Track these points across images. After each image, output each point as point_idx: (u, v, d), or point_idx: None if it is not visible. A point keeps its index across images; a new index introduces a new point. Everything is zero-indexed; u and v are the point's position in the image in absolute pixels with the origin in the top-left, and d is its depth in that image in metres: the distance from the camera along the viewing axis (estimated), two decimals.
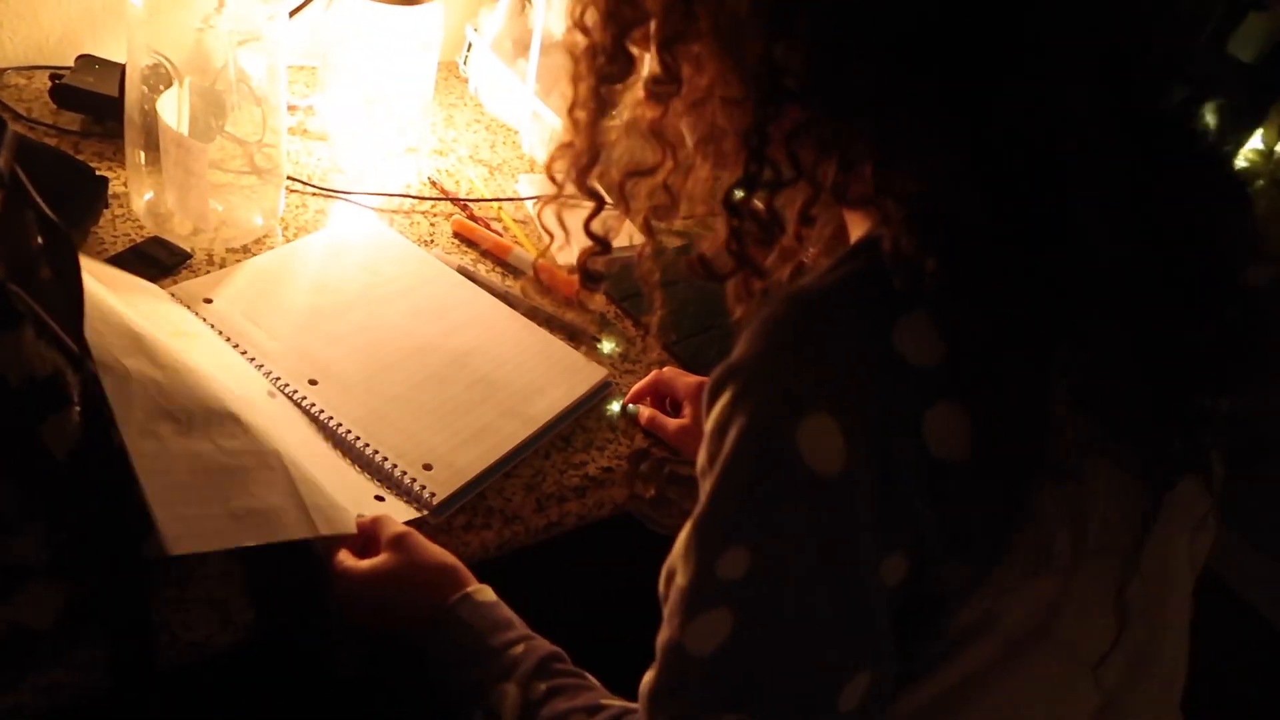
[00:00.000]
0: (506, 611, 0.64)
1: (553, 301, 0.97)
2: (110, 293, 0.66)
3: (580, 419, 0.86)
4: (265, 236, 0.94)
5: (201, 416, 0.63)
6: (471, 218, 1.04)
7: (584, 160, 0.57)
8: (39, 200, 0.48)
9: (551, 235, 0.63)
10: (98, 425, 0.53)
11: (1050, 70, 0.45)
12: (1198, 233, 0.49)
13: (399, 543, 0.67)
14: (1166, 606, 0.55)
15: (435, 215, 1.05)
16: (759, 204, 0.50)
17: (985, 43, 0.44)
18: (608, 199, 0.60)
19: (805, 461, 0.43)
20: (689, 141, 0.55)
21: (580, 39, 0.53)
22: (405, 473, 0.75)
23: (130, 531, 0.57)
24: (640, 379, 0.90)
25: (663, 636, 0.48)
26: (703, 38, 0.49)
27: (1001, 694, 0.49)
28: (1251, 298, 0.51)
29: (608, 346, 0.94)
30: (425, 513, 0.73)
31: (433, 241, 1.01)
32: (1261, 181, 1.79)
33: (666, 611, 0.48)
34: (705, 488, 0.47)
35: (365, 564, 0.66)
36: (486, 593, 0.65)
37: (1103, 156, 0.46)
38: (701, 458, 0.47)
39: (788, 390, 0.44)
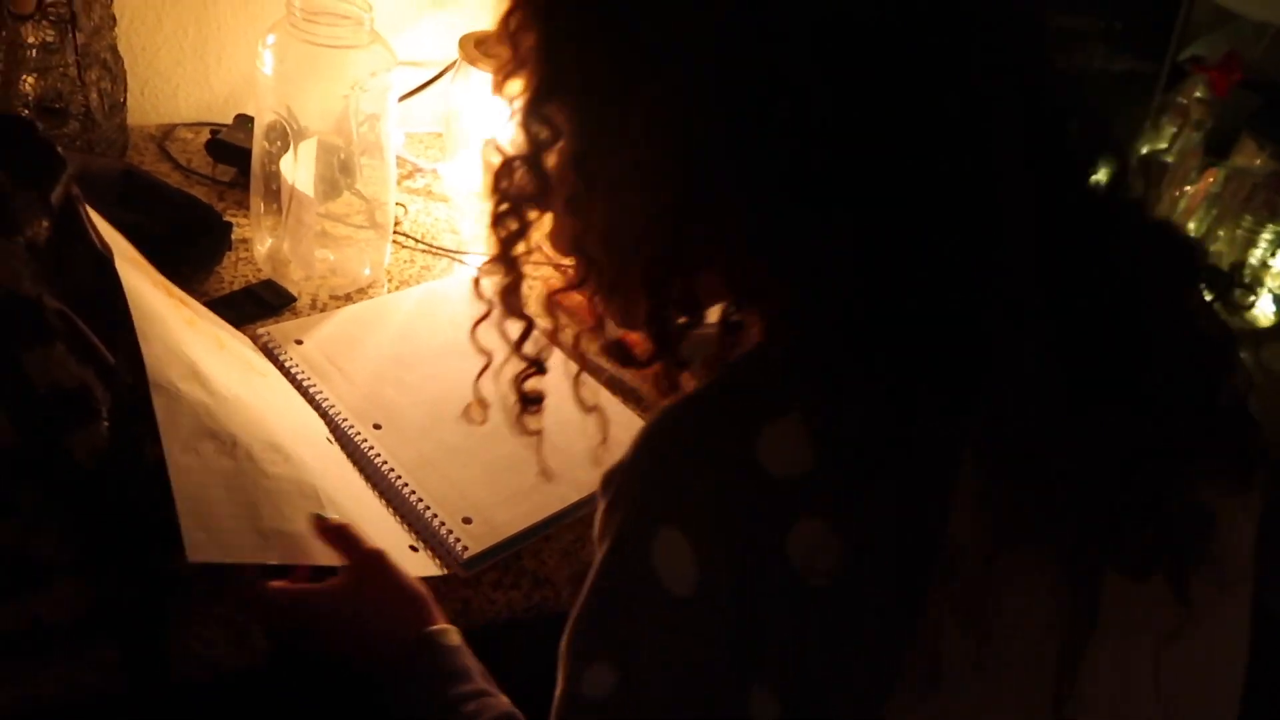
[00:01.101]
0: (468, 659, 0.62)
1: (632, 373, 0.97)
2: (186, 326, 0.71)
3: None
4: (370, 286, 1.00)
5: (245, 442, 0.67)
6: (566, 283, 1.06)
7: (508, 281, 0.56)
8: (91, 231, 0.53)
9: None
10: (127, 439, 0.57)
11: (958, 157, 0.41)
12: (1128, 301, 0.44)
13: (369, 560, 0.66)
14: None
15: (535, 280, 1.08)
16: (676, 283, 0.48)
17: (888, 135, 0.41)
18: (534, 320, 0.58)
19: (660, 578, 0.41)
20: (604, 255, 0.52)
21: (494, 158, 0.53)
22: (444, 523, 0.76)
23: (155, 542, 0.61)
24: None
25: None
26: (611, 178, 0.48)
27: None
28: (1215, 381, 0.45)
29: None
30: (454, 568, 0.74)
31: (526, 305, 1.04)
32: None
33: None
34: (581, 596, 0.45)
35: (329, 582, 0.65)
36: (452, 635, 0.64)
37: (1024, 233, 0.42)
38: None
39: (647, 502, 0.42)
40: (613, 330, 0.57)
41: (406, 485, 0.79)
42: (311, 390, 0.85)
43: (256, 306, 0.93)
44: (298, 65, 0.88)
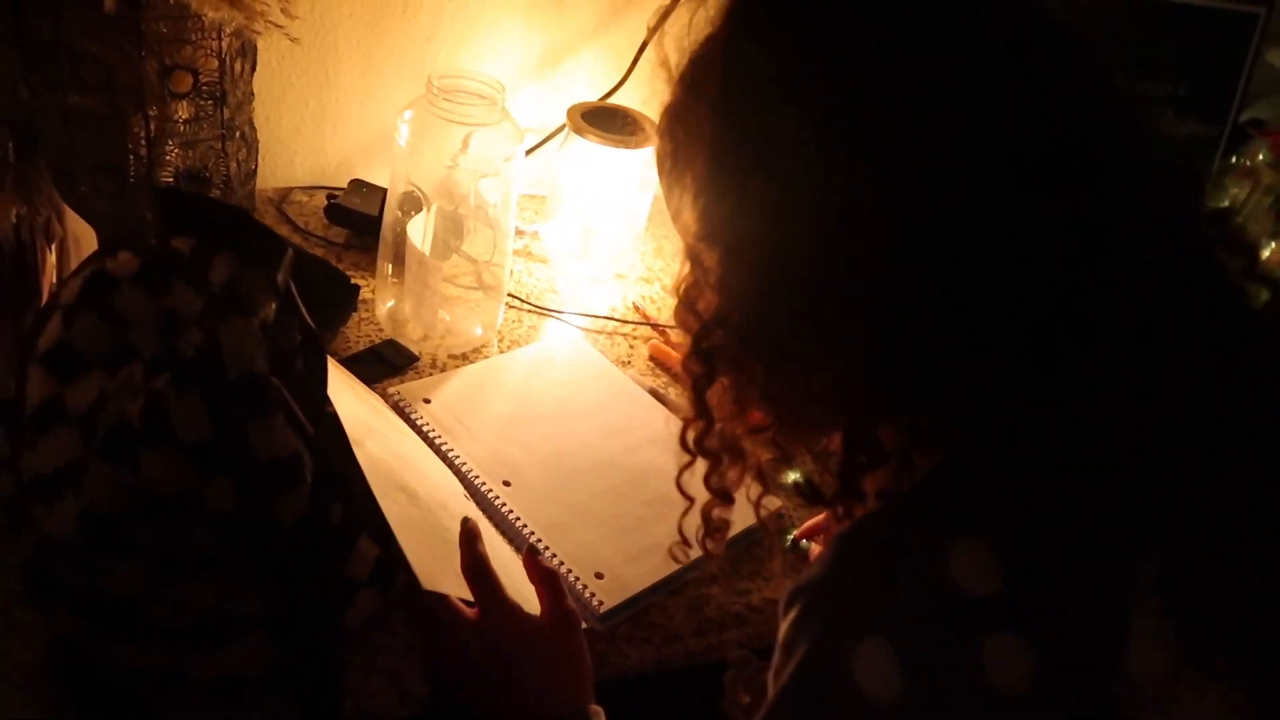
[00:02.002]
0: None
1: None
2: (348, 388, 0.76)
3: (749, 548, 0.88)
4: (483, 346, 1.05)
5: (424, 496, 0.71)
6: (668, 343, 1.11)
7: (700, 427, 0.60)
8: (302, 308, 0.58)
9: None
10: (322, 503, 0.61)
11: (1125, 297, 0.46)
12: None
13: (567, 616, 0.69)
14: None
15: (635, 338, 1.12)
16: (870, 436, 0.52)
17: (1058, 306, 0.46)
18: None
19: (860, 686, 0.43)
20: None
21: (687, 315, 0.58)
22: (578, 579, 0.80)
23: (334, 600, 0.65)
24: (816, 514, 0.91)
25: None
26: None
27: None
28: None
29: (790, 476, 0.96)
30: (593, 622, 0.77)
31: (629, 363, 1.08)
32: None
33: None
34: (769, 698, 0.48)
35: (530, 614, 0.68)
36: (601, 716, 0.67)
37: (1193, 369, 0.45)
38: (774, 666, 0.49)
39: (847, 614, 0.45)
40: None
41: (541, 541, 0.82)
42: (444, 448, 0.89)
43: (382, 366, 0.97)
44: (432, 140, 0.93)
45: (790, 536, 0.90)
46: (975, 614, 0.43)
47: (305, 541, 0.60)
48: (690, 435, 0.62)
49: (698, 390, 0.59)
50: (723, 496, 0.65)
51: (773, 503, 0.66)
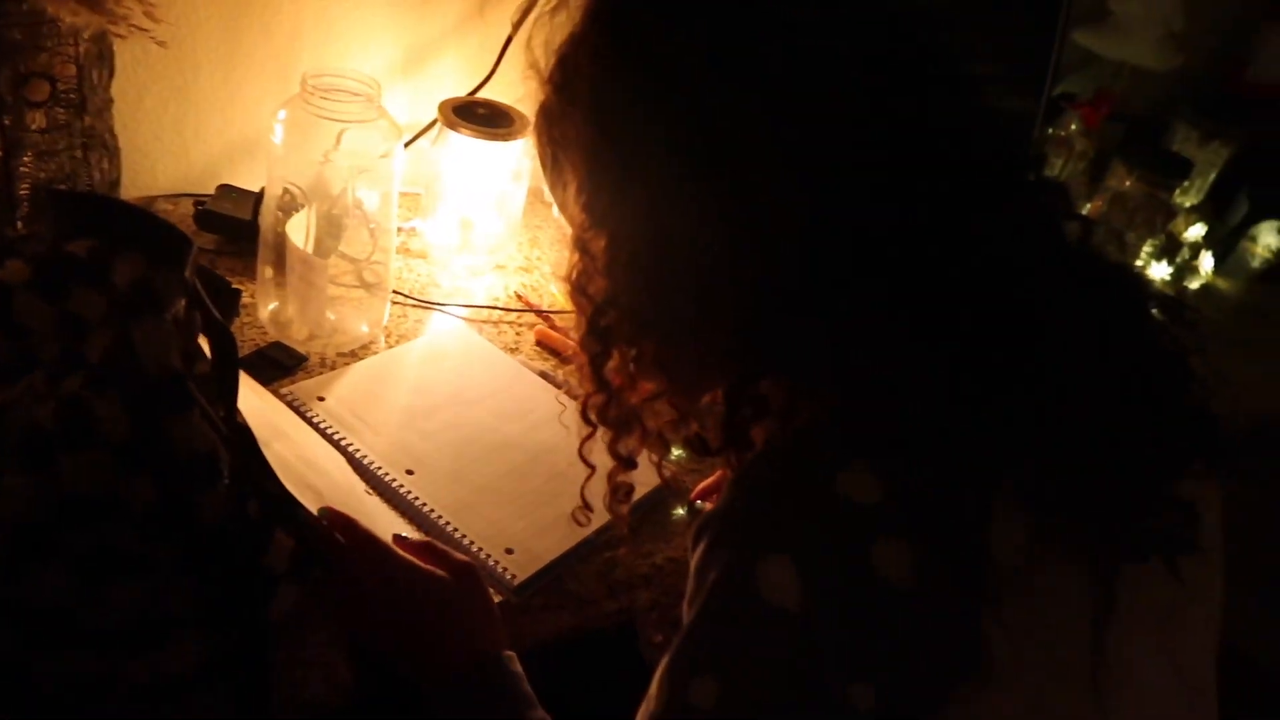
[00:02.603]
0: (528, 688, 0.68)
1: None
2: (248, 388, 0.76)
3: (650, 512, 0.93)
4: (370, 343, 1.05)
5: (327, 494, 0.73)
6: (553, 327, 1.14)
7: (601, 399, 0.65)
8: (210, 305, 0.59)
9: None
10: (240, 498, 0.62)
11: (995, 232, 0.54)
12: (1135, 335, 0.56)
13: (463, 565, 0.72)
14: (1149, 695, 0.56)
15: (520, 325, 1.15)
16: (751, 394, 0.58)
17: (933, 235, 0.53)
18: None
19: (765, 597, 0.48)
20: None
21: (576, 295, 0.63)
22: (490, 555, 0.83)
23: (259, 594, 0.66)
24: (705, 478, 0.97)
25: None
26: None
27: None
28: (1197, 382, 0.57)
29: (675, 453, 1.01)
30: (507, 595, 0.81)
31: (517, 349, 1.11)
32: None
33: None
34: (684, 624, 0.53)
35: (429, 567, 0.71)
36: (515, 662, 0.69)
37: (1029, 290, 0.53)
38: (688, 595, 0.54)
39: (749, 537, 0.50)
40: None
41: (449, 524, 0.85)
42: (344, 443, 0.90)
43: (272, 368, 0.97)
44: (308, 139, 0.93)
45: (685, 507, 0.95)
46: (861, 522, 0.49)
47: (227, 537, 0.61)
48: (591, 408, 0.67)
49: (595, 366, 0.64)
50: (626, 462, 0.70)
51: (671, 468, 0.71)
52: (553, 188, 0.64)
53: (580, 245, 0.61)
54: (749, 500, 0.53)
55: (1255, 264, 1.79)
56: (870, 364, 0.53)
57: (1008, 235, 0.56)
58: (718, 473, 0.96)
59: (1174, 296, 0.69)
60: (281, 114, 0.93)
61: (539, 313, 1.17)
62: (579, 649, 0.85)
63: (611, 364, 0.64)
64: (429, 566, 0.72)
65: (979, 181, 0.55)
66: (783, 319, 0.55)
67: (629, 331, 0.61)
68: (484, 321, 1.14)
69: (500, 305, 1.17)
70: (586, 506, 0.75)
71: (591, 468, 0.72)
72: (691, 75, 0.54)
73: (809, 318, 0.54)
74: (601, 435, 0.69)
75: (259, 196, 1.03)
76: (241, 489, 0.62)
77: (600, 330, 0.62)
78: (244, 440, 0.63)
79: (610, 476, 0.71)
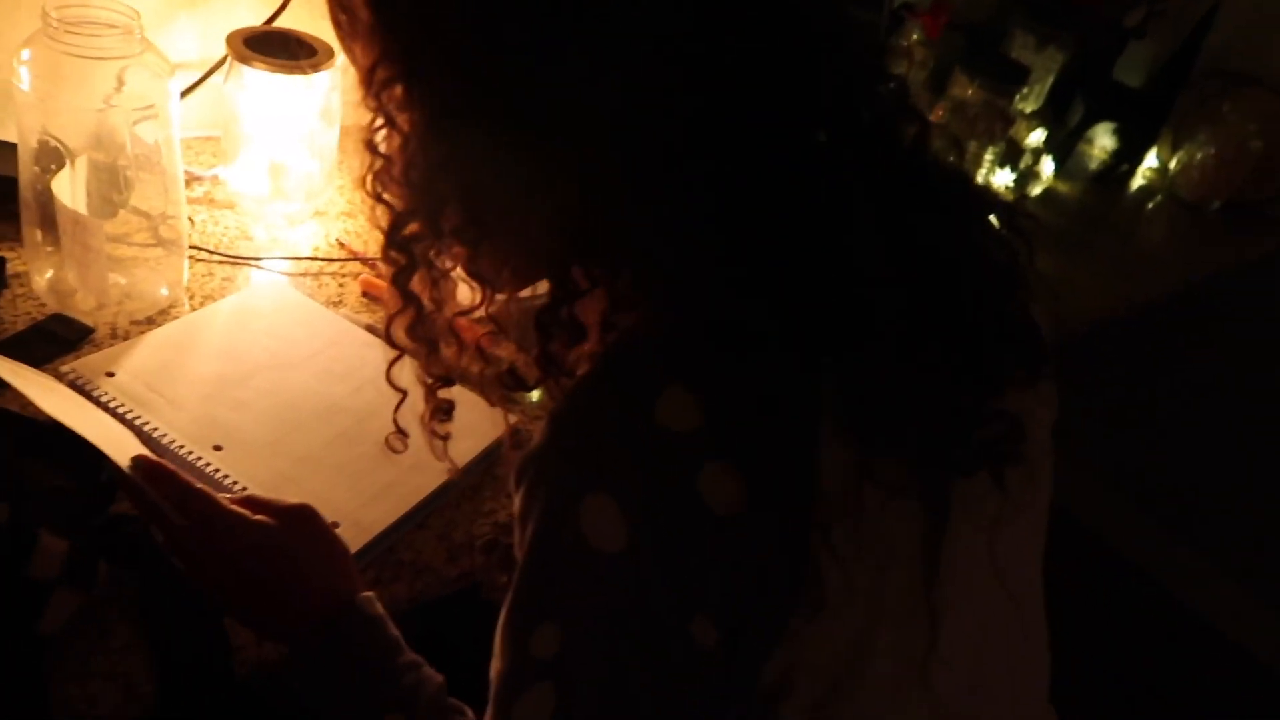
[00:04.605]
0: (394, 629, 0.63)
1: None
2: (12, 374, 0.66)
3: (490, 468, 0.87)
4: (171, 307, 0.95)
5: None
6: (381, 275, 1.06)
7: (408, 316, 0.58)
8: None
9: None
10: None
11: (792, 127, 0.49)
12: (950, 248, 0.53)
13: (302, 512, 0.65)
14: (980, 606, 0.56)
15: (344, 276, 1.06)
16: (564, 317, 0.52)
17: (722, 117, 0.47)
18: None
19: (590, 541, 0.45)
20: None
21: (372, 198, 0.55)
22: None
23: (23, 607, 0.58)
24: None
25: None
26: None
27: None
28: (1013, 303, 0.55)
29: (535, 395, 0.96)
30: None
31: (341, 302, 1.03)
32: (1160, 197, 1.88)
33: (490, 703, 0.50)
34: (515, 573, 0.49)
35: (260, 518, 0.63)
36: (376, 603, 0.64)
37: (850, 197, 0.49)
38: (515, 541, 0.50)
39: (568, 477, 0.47)
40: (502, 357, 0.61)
41: None
42: (138, 422, 0.80)
43: (50, 344, 0.86)
44: (61, 80, 0.81)
45: None
46: (684, 450, 0.45)
47: None
48: (399, 327, 0.60)
49: (400, 280, 0.57)
50: (444, 381, 0.64)
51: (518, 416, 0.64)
52: (348, 73, 0.56)
53: (370, 145, 0.54)
54: (564, 437, 0.48)
55: (1093, 166, 1.84)
56: (680, 268, 0.49)
57: (838, 138, 0.51)
58: None
59: (1008, 202, 0.66)
60: (25, 54, 0.80)
61: (365, 260, 1.08)
62: (421, 614, 0.80)
63: (417, 276, 0.57)
64: (256, 516, 0.64)
65: (809, 75, 0.50)
66: (596, 212, 0.50)
67: (431, 240, 0.55)
68: (304, 275, 1.05)
69: (321, 256, 1.08)
70: (400, 431, 0.70)
71: (402, 392, 0.67)
72: None
73: (622, 210, 0.49)
74: (412, 358, 0.62)
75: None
76: None
77: (402, 241, 0.55)
78: None
79: (427, 397, 0.65)
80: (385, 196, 0.55)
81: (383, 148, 0.53)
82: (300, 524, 0.65)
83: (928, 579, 0.51)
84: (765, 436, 0.46)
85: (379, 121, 0.53)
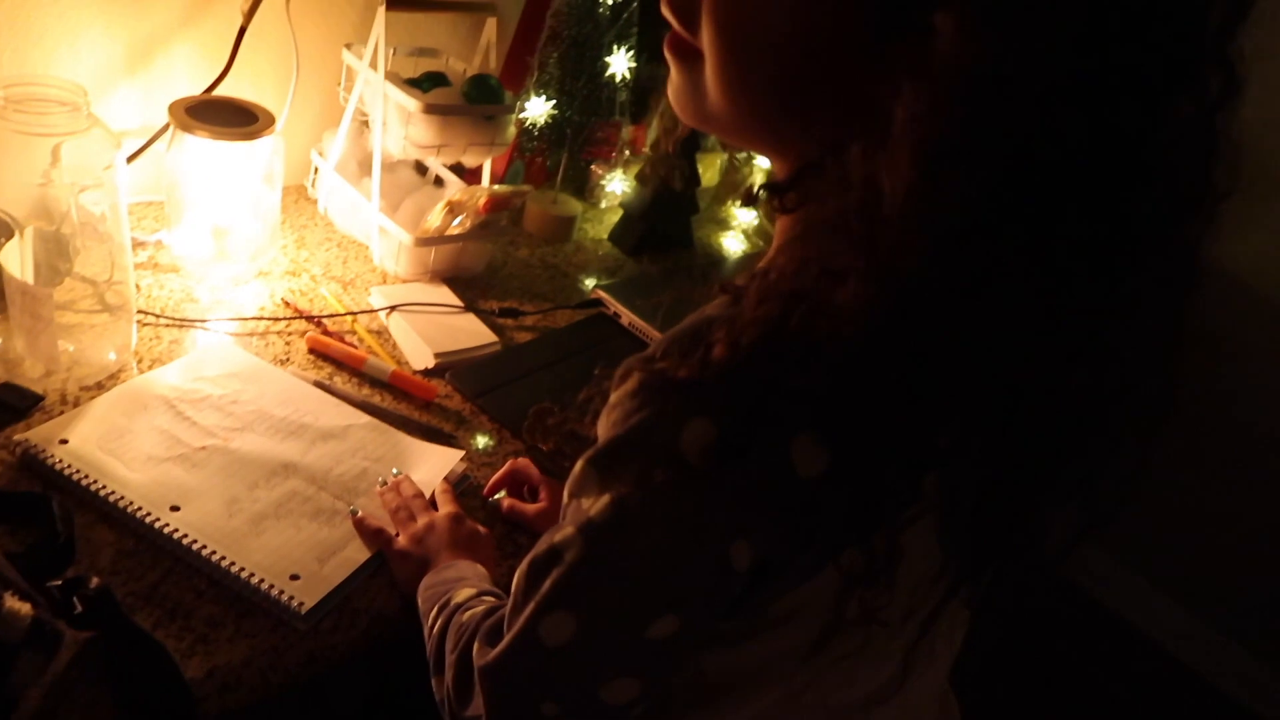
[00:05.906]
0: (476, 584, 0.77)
1: (410, 406, 1.02)
2: None
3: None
4: (120, 371, 0.97)
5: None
6: (326, 333, 1.09)
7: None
8: None
9: None
10: None
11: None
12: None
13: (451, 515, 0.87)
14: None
15: (290, 334, 1.09)
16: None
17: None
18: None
19: (682, 448, 0.49)
20: None
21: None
22: (273, 586, 0.78)
23: None
24: (498, 471, 0.95)
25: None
26: None
27: (810, 668, 0.57)
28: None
29: (481, 441, 1.00)
30: (294, 622, 0.77)
31: (289, 360, 1.05)
32: None
33: (522, 567, 0.56)
34: (601, 439, 0.53)
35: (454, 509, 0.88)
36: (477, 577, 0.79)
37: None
38: (605, 418, 0.53)
39: (682, 393, 0.50)
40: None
41: (224, 559, 0.79)
42: (94, 488, 0.82)
43: (1, 412, 0.87)
44: (9, 156, 0.84)
45: (483, 496, 0.94)
46: (788, 417, 0.48)
47: None
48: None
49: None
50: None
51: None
52: None
53: None
54: (688, 357, 0.50)
55: None
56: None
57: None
58: (508, 464, 0.95)
59: None
60: None
61: (309, 318, 1.11)
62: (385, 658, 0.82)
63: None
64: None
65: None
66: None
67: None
68: (250, 335, 1.08)
69: (267, 315, 1.11)
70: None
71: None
72: None
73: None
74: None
75: None
76: None
77: None
78: None
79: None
80: None
81: None
82: (452, 520, 0.86)
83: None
84: (860, 435, 0.48)
85: None
